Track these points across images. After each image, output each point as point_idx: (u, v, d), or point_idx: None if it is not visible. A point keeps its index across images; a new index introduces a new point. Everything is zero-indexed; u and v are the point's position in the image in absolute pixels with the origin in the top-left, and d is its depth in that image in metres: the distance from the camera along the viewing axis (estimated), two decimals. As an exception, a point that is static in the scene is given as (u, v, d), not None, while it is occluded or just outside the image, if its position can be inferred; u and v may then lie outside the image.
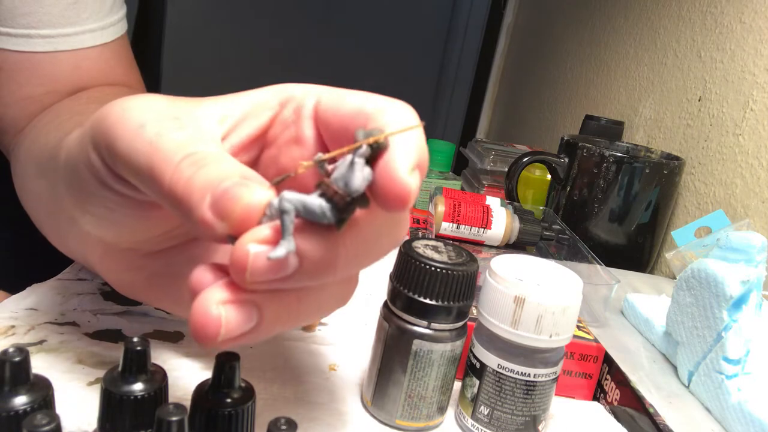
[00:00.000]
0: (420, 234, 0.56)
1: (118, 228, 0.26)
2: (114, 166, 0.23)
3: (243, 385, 0.23)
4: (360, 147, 0.18)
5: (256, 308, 0.19)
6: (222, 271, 0.20)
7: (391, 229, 0.22)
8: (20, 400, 0.20)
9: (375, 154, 0.19)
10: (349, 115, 0.22)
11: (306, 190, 0.19)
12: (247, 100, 0.24)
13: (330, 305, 0.23)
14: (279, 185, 0.20)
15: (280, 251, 0.18)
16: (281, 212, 0.18)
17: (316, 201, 0.18)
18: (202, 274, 0.19)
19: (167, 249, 0.28)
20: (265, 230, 0.18)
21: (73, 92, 0.45)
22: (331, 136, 0.23)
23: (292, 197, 0.18)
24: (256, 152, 0.26)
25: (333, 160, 0.19)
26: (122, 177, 0.23)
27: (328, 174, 0.19)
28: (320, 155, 0.19)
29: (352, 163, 0.18)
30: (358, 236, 0.20)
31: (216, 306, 0.19)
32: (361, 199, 0.19)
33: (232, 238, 0.19)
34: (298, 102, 0.24)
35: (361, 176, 0.18)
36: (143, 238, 0.27)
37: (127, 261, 0.28)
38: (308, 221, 0.19)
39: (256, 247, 0.18)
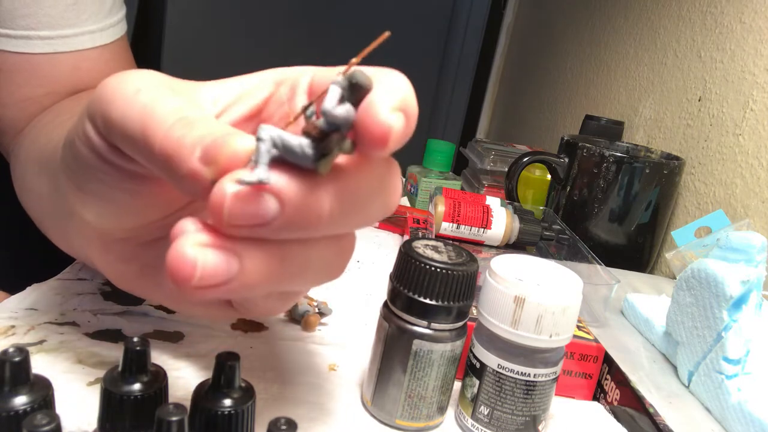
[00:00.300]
0: (420, 234, 0.56)
1: (113, 209, 0.26)
2: (108, 134, 0.23)
3: (243, 385, 0.23)
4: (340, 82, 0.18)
5: (236, 256, 0.19)
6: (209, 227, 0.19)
7: (380, 189, 0.21)
8: (20, 400, 0.20)
9: (357, 94, 0.18)
10: None
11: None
12: (241, 82, 0.25)
13: (319, 270, 0.22)
14: None
15: (251, 177, 0.17)
16: (257, 140, 0.18)
17: (296, 138, 0.18)
18: (184, 222, 0.19)
19: (160, 239, 0.28)
20: (245, 172, 0.18)
21: (72, 93, 0.45)
22: None
23: (270, 129, 0.18)
24: (251, 131, 0.26)
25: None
26: (116, 147, 0.23)
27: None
28: (306, 102, 0.19)
29: (327, 93, 0.18)
30: (342, 187, 0.19)
31: (192, 247, 0.18)
32: (342, 139, 0.18)
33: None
34: (294, 80, 0.25)
35: (342, 109, 0.18)
36: (137, 223, 0.27)
37: (122, 251, 0.28)
38: (290, 165, 0.18)
39: (234, 186, 0.18)
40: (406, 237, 0.58)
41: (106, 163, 0.24)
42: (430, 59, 1.98)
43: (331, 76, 0.23)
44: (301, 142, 0.18)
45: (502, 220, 0.56)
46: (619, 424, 0.34)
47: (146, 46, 1.64)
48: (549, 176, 0.71)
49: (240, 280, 0.19)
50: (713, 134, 0.70)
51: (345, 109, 0.18)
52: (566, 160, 0.68)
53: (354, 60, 0.18)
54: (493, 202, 0.60)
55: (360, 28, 1.90)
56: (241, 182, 0.17)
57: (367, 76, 0.18)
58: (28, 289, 0.38)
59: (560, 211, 0.68)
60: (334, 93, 0.18)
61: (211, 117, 0.21)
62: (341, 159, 0.19)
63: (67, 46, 0.44)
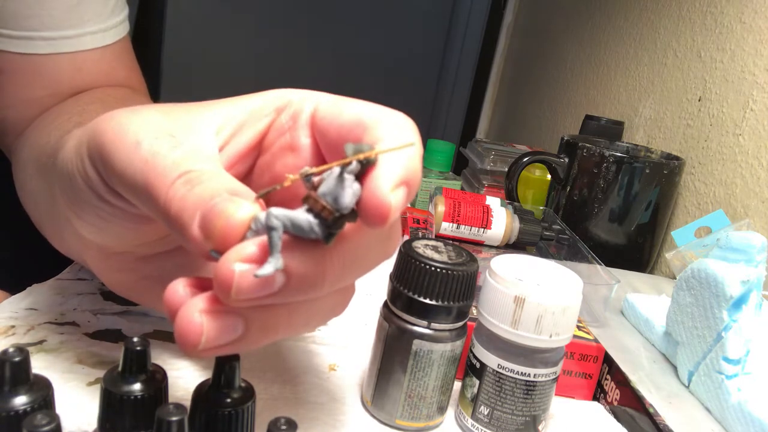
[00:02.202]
0: (420, 234, 0.56)
1: (111, 236, 0.26)
2: (109, 181, 0.23)
3: (243, 385, 0.23)
4: (350, 163, 0.18)
5: (242, 319, 0.19)
6: (204, 284, 0.20)
7: (380, 243, 0.22)
8: (20, 400, 0.20)
9: (364, 169, 0.18)
10: (346, 126, 0.22)
11: (295, 201, 0.19)
12: (243, 107, 0.24)
13: (323, 316, 0.22)
14: (265, 198, 0.20)
15: (268, 269, 0.18)
16: (269, 229, 0.18)
17: (303, 216, 0.18)
18: (174, 287, 0.19)
19: (159, 254, 0.28)
20: (251, 247, 0.18)
21: (74, 94, 0.45)
22: (328, 146, 0.23)
23: (279, 213, 0.18)
24: (252, 159, 0.25)
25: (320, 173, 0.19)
26: (117, 191, 0.23)
27: (315, 187, 0.18)
28: (307, 169, 0.18)
29: (341, 179, 0.18)
30: (346, 250, 0.20)
31: (198, 314, 0.19)
32: (350, 214, 0.18)
33: (219, 255, 0.19)
34: (296, 109, 0.24)
35: (351, 192, 0.18)
36: (135, 244, 0.27)
37: (120, 263, 0.28)
38: (295, 236, 0.18)
39: (241, 265, 0.18)
40: (406, 237, 0.58)
41: (107, 203, 0.24)
42: (430, 59, 1.98)
43: (333, 114, 0.23)
44: (310, 222, 0.18)
45: (502, 220, 0.56)
46: (619, 424, 0.34)
47: (146, 46, 1.64)
48: (549, 176, 0.71)
49: (246, 340, 0.19)
50: (713, 134, 0.70)
51: (353, 194, 0.18)
52: (566, 160, 0.68)
53: (362, 155, 0.18)
54: (493, 202, 0.60)
55: (360, 28, 1.91)
56: (257, 275, 0.18)
57: (372, 151, 0.18)
58: (28, 289, 0.38)
59: (560, 211, 0.68)
60: (349, 182, 0.18)
61: (212, 167, 0.21)
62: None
63: (70, 46, 0.44)
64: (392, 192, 0.18)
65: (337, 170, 0.18)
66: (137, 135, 0.22)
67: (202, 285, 0.20)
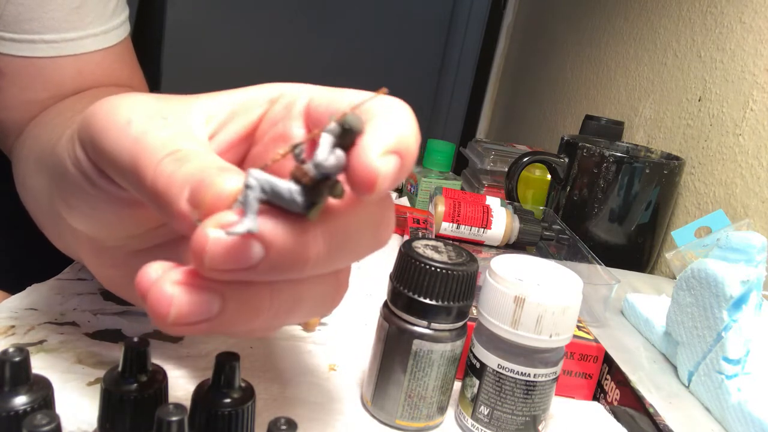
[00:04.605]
0: (420, 234, 0.56)
1: (101, 225, 0.26)
2: (99, 162, 0.23)
3: (243, 385, 0.23)
4: (328, 125, 0.17)
5: (218, 296, 0.18)
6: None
7: (371, 228, 0.21)
8: (20, 400, 0.20)
9: (350, 138, 0.17)
10: (340, 112, 0.22)
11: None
12: (234, 98, 0.24)
13: (310, 305, 0.21)
14: None
15: (239, 227, 0.17)
16: (245, 188, 0.17)
17: (284, 184, 0.17)
18: (148, 266, 0.19)
19: (151, 248, 0.28)
20: (229, 215, 0.17)
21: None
22: None
23: (259, 175, 0.17)
24: (244, 150, 0.25)
25: (311, 148, 0.18)
26: (106, 174, 0.23)
27: (304, 162, 0.18)
28: (295, 141, 0.18)
29: (322, 143, 0.17)
30: (331, 228, 0.19)
31: (171, 285, 0.18)
32: (333, 186, 0.17)
33: None
34: (289, 100, 0.24)
35: (332, 158, 0.17)
36: (126, 235, 0.27)
37: (112, 258, 0.28)
38: (278, 208, 0.18)
39: (216, 231, 0.17)
40: (406, 237, 0.58)
41: (95, 187, 0.24)
42: (430, 59, 1.98)
43: (328, 102, 0.22)
44: (290, 189, 0.17)
45: (502, 220, 0.56)
46: (619, 424, 0.34)
47: (146, 46, 1.64)
48: (549, 176, 0.71)
49: (222, 319, 0.18)
50: (713, 134, 0.70)
51: (336, 158, 0.17)
52: (566, 160, 0.68)
53: (347, 110, 0.18)
54: (493, 202, 0.60)
55: (360, 28, 1.91)
56: (228, 233, 0.17)
57: (359, 119, 0.17)
58: (28, 289, 0.38)
59: (560, 211, 0.68)
60: (326, 141, 0.17)
61: (202, 149, 0.21)
62: (331, 201, 0.19)
63: (71, 49, 0.44)
64: (381, 158, 0.17)
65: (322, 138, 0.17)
66: (128, 114, 0.22)
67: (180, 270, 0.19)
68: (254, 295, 0.19)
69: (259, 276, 0.18)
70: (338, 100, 0.22)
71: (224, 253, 0.17)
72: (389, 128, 0.18)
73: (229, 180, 0.18)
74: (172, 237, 0.28)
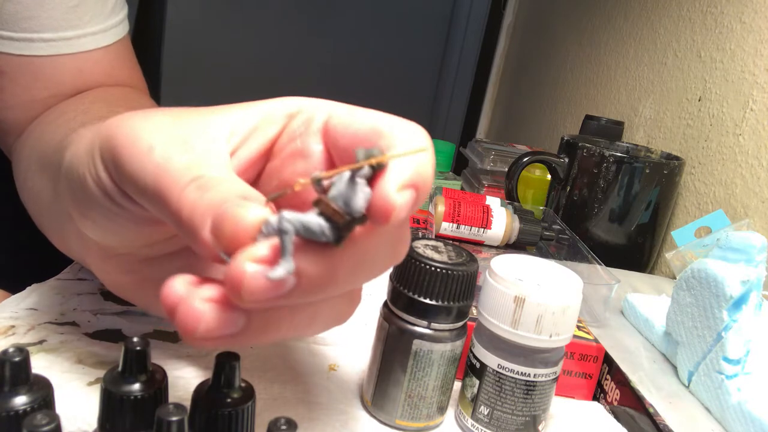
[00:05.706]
0: (420, 234, 0.56)
1: (116, 237, 0.26)
2: (122, 185, 0.23)
3: (243, 385, 0.23)
4: (361, 168, 0.18)
5: (244, 314, 0.19)
6: (205, 282, 0.20)
7: (390, 246, 0.22)
8: (20, 400, 0.20)
9: (374, 174, 0.18)
10: (361, 133, 0.22)
11: (304, 206, 0.19)
12: (255, 112, 0.24)
13: (327, 319, 0.22)
14: (275, 202, 0.20)
15: (280, 272, 0.18)
16: (281, 232, 0.18)
17: (315, 220, 0.18)
18: (175, 280, 0.19)
19: (162, 256, 0.28)
20: (263, 249, 0.18)
21: (75, 94, 0.45)
22: (340, 153, 0.23)
23: (291, 217, 0.18)
24: (263, 165, 0.26)
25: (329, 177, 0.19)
26: (129, 195, 0.23)
27: (325, 191, 0.18)
28: (317, 173, 0.18)
29: (353, 183, 0.18)
30: (356, 252, 0.20)
31: (200, 302, 0.19)
32: (361, 218, 0.18)
33: (230, 257, 0.19)
34: (308, 115, 0.24)
35: (362, 196, 0.18)
36: (139, 245, 0.27)
37: (123, 264, 0.28)
38: (306, 240, 0.18)
39: (253, 266, 0.18)
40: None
41: (118, 206, 0.24)
42: (430, 59, 1.98)
43: (347, 123, 0.23)
44: (321, 225, 0.18)
45: (502, 220, 0.56)
46: (619, 424, 0.34)
47: (146, 46, 1.64)
48: (549, 176, 0.71)
49: (246, 335, 0.19)
50: (713, 134, 0.70)
51: (364, 196, 0.18)
52: (566, 160, 0.68)
53: (374, 160, 0.19)
54: (493, 202, 0.60)
55: (360, 28, 1.91)
56: (269, 277, 0.18)
57: (383, 156, 0.18)
58: (28, 289, 0.38)
59: (560, 211, 0.68)
60: (361, 184, 0.18)
61: (224, 173, 0.21)
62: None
63: (70, 48, 0.44)
64: (398, 192, 0.18)
65: (347, 174, 0.18)
66: (150, 140, 0.22)
67: (202, 283, 0.20)
68: (277, 313, 0.20)
69: (289, 302, 0.19)
70: (358, 121, 0.22)
71: (262, 289, 0.18)
72: (409, 164, 0.19)
73: (251, 211, 0.19)
74: (182, 246, 0.28)
